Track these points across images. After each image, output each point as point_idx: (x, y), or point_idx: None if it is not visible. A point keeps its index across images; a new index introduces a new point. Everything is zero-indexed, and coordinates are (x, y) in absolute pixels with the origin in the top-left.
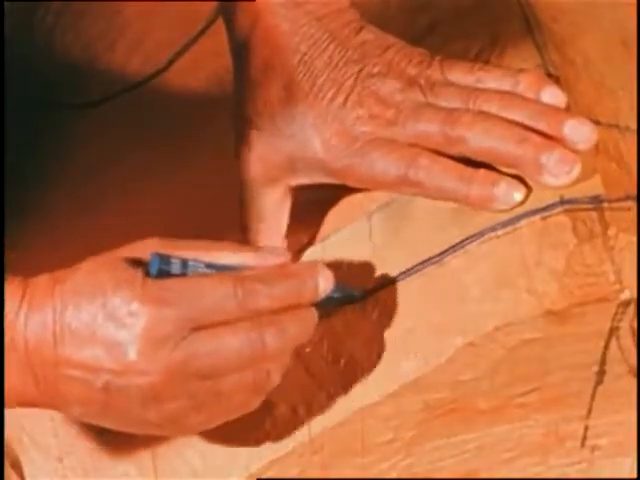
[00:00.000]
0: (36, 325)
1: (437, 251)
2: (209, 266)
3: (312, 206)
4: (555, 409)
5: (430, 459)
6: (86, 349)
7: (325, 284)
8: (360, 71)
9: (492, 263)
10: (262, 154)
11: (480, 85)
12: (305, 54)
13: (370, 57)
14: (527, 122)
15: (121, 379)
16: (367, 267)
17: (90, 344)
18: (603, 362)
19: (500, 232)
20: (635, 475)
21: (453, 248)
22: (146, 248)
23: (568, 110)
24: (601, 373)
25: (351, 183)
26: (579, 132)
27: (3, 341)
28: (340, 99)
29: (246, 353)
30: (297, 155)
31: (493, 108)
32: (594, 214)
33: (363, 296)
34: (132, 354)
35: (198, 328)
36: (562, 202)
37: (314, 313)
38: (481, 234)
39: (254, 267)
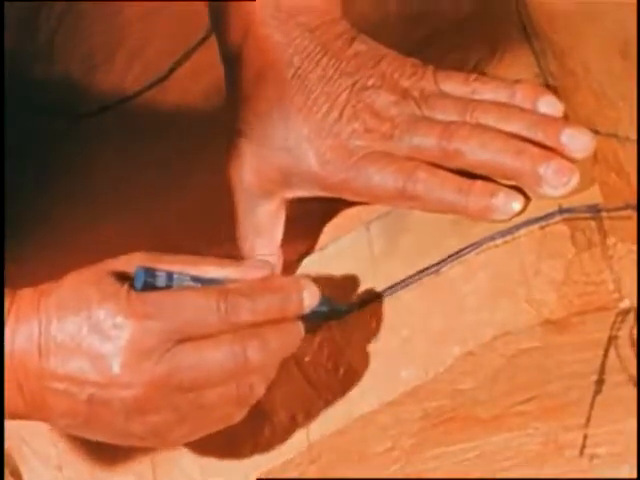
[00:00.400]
0: (22, 338)
1: (436, 260)
2: (194, 279)
3: (310, 216)
4: (554, 418)
5: (429, 468)
6: (71, 362)
7: (310, 299)
8: (354, 84)
9: (490, 273)
10: (256, 167)
11: (476, 96)
12: (299, 68)
13: (364, 69)
14: (524, 133)
15: (105, 392)
16: (355, 280)
17: (75, 357)
18: (602, 371)
19: (499, 241)
20: (635, 475)
21: (451, 258)
22: (132, 261)
23: (566, 119)
24: (600, 382)
25: (348, 197)
26: (577, 141)
27: (3, 343)
28: (335, 113)
29: (229, 366)
30: (292, 169)
31: (490, 120)
32: (593, 223)
33: (350, 310)
34: (116, 367)
35: (182, 341)
36: (561, 211)
37: (300, 327)
38: (479, 244)
39: (239, 280)
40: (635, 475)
